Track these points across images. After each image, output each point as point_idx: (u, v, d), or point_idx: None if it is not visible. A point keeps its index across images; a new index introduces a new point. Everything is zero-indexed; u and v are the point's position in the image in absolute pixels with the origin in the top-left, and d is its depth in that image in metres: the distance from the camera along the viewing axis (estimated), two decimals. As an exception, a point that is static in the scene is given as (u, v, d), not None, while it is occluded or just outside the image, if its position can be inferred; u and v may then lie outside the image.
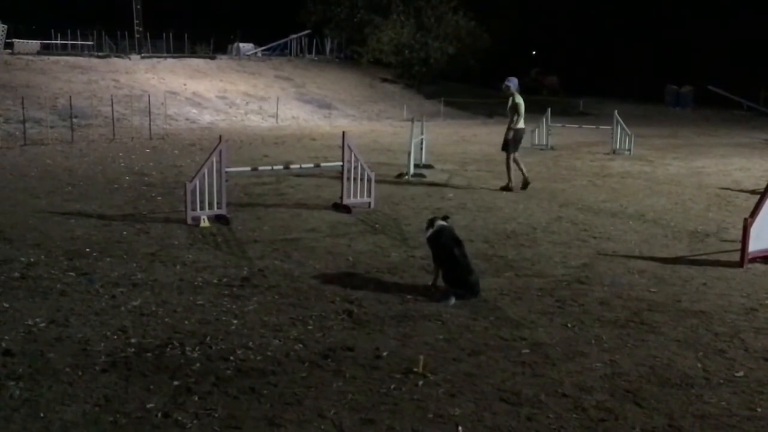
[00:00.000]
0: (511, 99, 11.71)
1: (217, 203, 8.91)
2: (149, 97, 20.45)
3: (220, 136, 9.25)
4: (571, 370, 4.63)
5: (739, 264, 7.24)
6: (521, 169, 11.77)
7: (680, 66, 40.03)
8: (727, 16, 39.33)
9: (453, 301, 5.88)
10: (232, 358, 4.69)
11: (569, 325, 5.46)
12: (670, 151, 18.78)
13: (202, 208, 8.76)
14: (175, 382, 4.30)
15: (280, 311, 5.62)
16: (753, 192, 11.81)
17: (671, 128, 26.33)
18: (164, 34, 36.29)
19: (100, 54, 30.03)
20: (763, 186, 8.48)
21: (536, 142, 18.47)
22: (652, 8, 43.11)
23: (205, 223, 8.56)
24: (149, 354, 4.72)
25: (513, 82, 11.80)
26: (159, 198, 10.35)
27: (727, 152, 18.72)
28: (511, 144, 11.76)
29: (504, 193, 11.51)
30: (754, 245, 7.28)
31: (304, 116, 26.26)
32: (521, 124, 11.71)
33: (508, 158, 11.80)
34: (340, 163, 9.91)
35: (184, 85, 26.67)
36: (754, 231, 7.21)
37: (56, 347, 4.80)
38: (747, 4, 37.79)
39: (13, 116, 18.64)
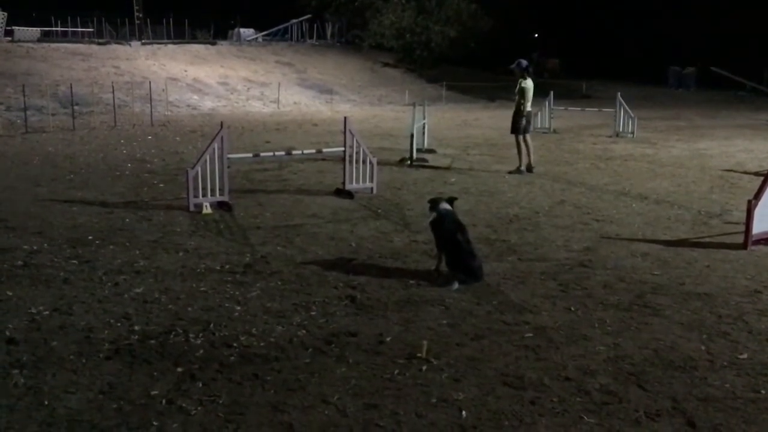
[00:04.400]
0: (519, 82, 11.79)
1: (219, 190, 8.90)
2: (150, 83, 20.39)
3: (222, 123, 9.22)
4: (574, 354, 4.63)
5: (743, 246, 7.23)
6: (528, 153, 11.84)
7: (683, 47, 39.77)
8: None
9: (456, 285, 5.88)
10: (235, 344, 4.70)
11: (572, 309, 5.45)
12: (672, 133, 18.70)
13: (204, 195, 8.75)
14: (179, 369, 4.31)
15: (283, 297, 5.62)
16: (757, 174, 11.75)
17: (674, 110, 26.21)
18: (164, 20, 36.12)
19: (100, 41, 29.91)
20: (767, 167, 8.47)
21: (539, 126, 18.37)
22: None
23: (207, 209, 8.56)
24: (153, 341, 4.72)
25: (519, 65, 11.86)
26: (161, 185, 10.34)
27: (730, 134, 18.63)
28: (520, 127, 11.83)
29: (507, 176, 11.49)
30: (758, 227, 7.26)
31: (305, 102, 26.17)
32: (526, 108, 11.81)
33: (517, 141, 11.86)
34: (342, 149, 9.89)
35: (185, 71, 26.57)
36: (757, 213, 7.20)
37: (60, 335, 4.81)
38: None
39: (14, 104, 18.60)
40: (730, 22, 38.97)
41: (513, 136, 11.98)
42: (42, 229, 7.59)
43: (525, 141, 11.88)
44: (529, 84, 11.75)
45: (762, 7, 36.28)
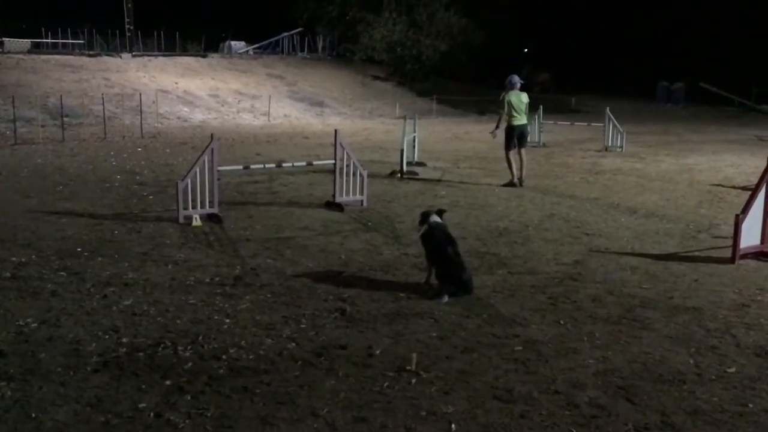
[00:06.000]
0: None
1: (209, 202, 8.89)
2: (140, 95, 20.38)
3: (212, 135, 9.22)
4: (563, 367, 4.63)
5: (731, 260, 7.26)
6: (521, 167, 11.91)
7: (672, 63, 40.12)
8: (718, 12, 39.43)
9: (446, 298, 5.88)
10: (224, 357, 4.68)
11: (562, 322, 5.47)
12: (661, 147, 18.83)
13: (194, 207, 8.74)
14: (168, 382, 4.29)
15: (273, 310, 5.61)
16: (744, 188, 11.85)
17: (663, 125, 26.38)
18: (155, 33, 36.07)
19: (91, 53, 29.87)
20: (754, 182, 8.50)
21: (528, 140, 18.46)
22: (643, 5, 43.23)
23: (197, 222, 8.54)
24: (141, 354, 4.70)
25: (508, 81, 11.99)
26: (150, 197, 10.31)
27: (718, 149, 18.77)
28: (504, 140, 11.92)
29: (497, 190, 11.53)
30: (746, 241, 7.31)
31: (296, 114, 26.20)
32: (514, 122, 11.88)
33: (506, 155, 11.96)
34: (333, 162, 9.90)
35: (176, 83, 26.57)
36: (745, 227, 7.25)
37: (48, 347, 4.78)
38: (739, 1, 37.91)
39: (4, 115, 18.54)
40: (718, 38, 39.37)
41: (505, 151, 12.06)
42: (30, 241, 7.55)
43: (519, 154, 11.95)
44: (511, 96, 11.82)
45: (750, 22, 36.66)
